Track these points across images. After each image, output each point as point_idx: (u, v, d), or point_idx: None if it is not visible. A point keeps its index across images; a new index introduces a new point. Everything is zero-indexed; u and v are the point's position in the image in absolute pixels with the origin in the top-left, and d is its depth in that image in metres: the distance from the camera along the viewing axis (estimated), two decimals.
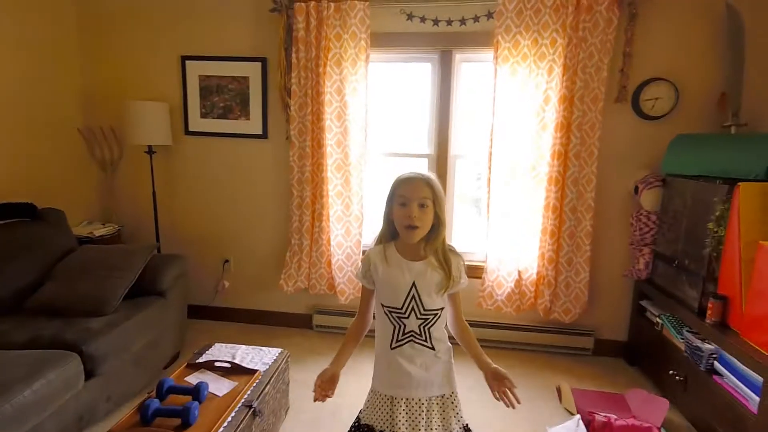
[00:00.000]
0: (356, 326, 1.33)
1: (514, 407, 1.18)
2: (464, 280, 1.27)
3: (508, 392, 1.18)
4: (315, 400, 1.20)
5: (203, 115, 2.86)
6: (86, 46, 2.89)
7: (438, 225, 1.21)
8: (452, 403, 1.27)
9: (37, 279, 2.14)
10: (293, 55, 2.58)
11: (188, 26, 2.78)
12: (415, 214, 1.16)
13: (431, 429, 1.23)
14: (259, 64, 2.74)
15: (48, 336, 1.82)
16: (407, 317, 1.21)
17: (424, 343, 1.22)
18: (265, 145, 2.84)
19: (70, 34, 2.83)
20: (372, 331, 1.32)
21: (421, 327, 1.22)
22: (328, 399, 1.21)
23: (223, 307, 3.05)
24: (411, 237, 1.19)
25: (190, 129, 2.89)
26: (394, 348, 1.23)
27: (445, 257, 1.23)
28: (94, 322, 1.94)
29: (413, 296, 1.20)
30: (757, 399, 1.61)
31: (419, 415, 1.22)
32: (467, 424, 1.30)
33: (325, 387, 1.21)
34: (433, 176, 1.22)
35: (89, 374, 1.78)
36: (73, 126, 2.88)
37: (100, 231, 2.75)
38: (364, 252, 2.72)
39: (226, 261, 3.00)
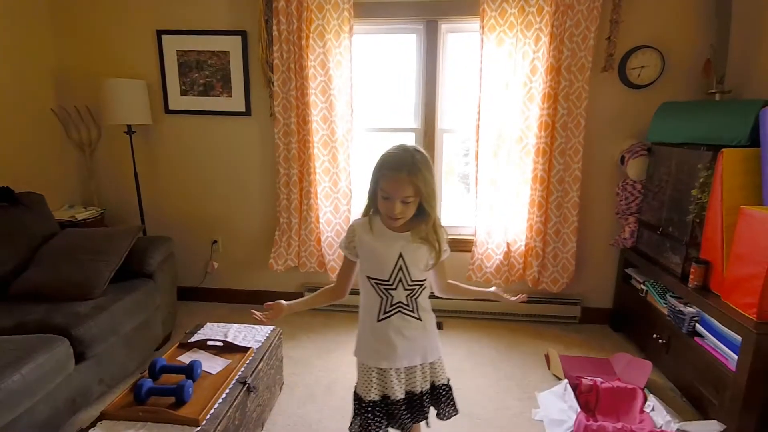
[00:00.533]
0: (330, 294, 1.34)
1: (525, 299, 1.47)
2: (447, 249, 1.27)
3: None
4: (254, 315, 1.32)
5: (183, 93, 2.77)
6: (58, 22, 2.75)
7: (425, 212, 1.17)
8: (438, 366, 1.32)
9: (19, 265, 2.08)
10: (274, 27, 2.49)
11: None
12: (398, 210, 1.14)
13: (419, 390, 1.27)
14: (239, 38, 2.65)
15: (35, 321, 1.79)
16: (395, 289, 1.21)
17: (412, 314, 1.23)
18: (249, 122, 2.78)
19: (41, 9, 2.69)
20: (352, 306, 1.32)
21: (409, 297, 1.22)
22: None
23: (213, 288, 3.04)
24: (393, 224, 1.19)
25: (171, 107, 2.80)
26: (382, 320, 1.23)
27: (437, 232, 1.21)
28: (81, 305, 1.91)
29: (401, 267, 1.19)
30: (736, 357, 1.67)
31: (407, 381, 1.27)
32: (449, 379, 1.35)
33: (269, 307, 1.32)
34: (420, 163, 1.13)
35: (80, 357, 1.76)
36: (47, 106, 2.77)
37: (82, 214, 2.68)
38: None
39: (215, 242, 2.97)
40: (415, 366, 1.27)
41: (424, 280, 1.24)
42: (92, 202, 2.93)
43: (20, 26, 2.57)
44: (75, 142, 2.88)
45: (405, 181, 1.11)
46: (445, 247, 1.26)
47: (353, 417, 1.31)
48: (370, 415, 1.24)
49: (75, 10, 2.73)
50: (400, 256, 1.19)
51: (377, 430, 1.24)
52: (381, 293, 1.22)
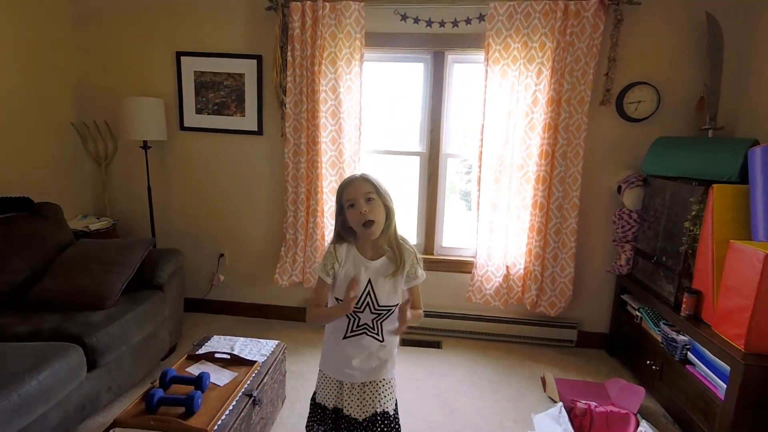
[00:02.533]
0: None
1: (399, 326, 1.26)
2: (421, 273, 1.34)
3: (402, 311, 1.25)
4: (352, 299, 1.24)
5: (198, 111, 2.89)
6: (80, 41, 2.88)
7: (388, 215, 1.29)
8: (389, 386, 1.37)
9: (36, 273, 2.16)
10: (289, 53, 2.62)
11: (183, 22, 2.80)
12: (365, 209, 1.23)
13: (370, 407, 1.33)
14: (254, 62, 2.78)
15: (50, 328, 1.85)
16: (362, 311, 1.30)
17: (376, 336, 1.32)
18: (260, 141, 2.88)
19: (64, 28, 2.83)
20: None
21: (375, 321, 1.31)
22: None
23: (218, 300, 3.10)
24: (371, 233, 1.25)
25: (186, 125, 2.91)
26: (347, 338, 1.32)
27: (399, 250, 1.30)
28: (94, 315, 1.98)
29: (368, 292, 1.28)
30: (725, 386, 1.73)
31: (361, 396, 1.34)
32: (396, 407, 1.41)
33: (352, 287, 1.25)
34: (369, 173, 1.30)
35: (91, 365, 1.83)
36: (67, 120, 2.89)
37: (95, 225, 2.77)
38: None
39: (221, 255, 3.05)
40: (369, 383, 1.34)
41: (393, 306, 1.31)
42: (104, 213, 3.02)
43: (44, 43, 2.70)
44: (92, 155, 2.99)
45: (360, 181, 1.27)
46: (420, 272, 1.33)
47: (310, 422, 1.43)
48: (320, 416, 1.37)
49: (98, 29, 2.87)
50: (369, 282, 1.28)
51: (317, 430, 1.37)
52: (349, 315, 1.30)
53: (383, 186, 1.28)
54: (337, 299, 1.32)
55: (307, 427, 1.44)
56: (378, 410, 1.33)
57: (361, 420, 1.33)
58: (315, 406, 1.41)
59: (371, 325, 1.31)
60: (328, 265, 1.31)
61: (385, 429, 1.33)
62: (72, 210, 2.89)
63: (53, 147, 2.80)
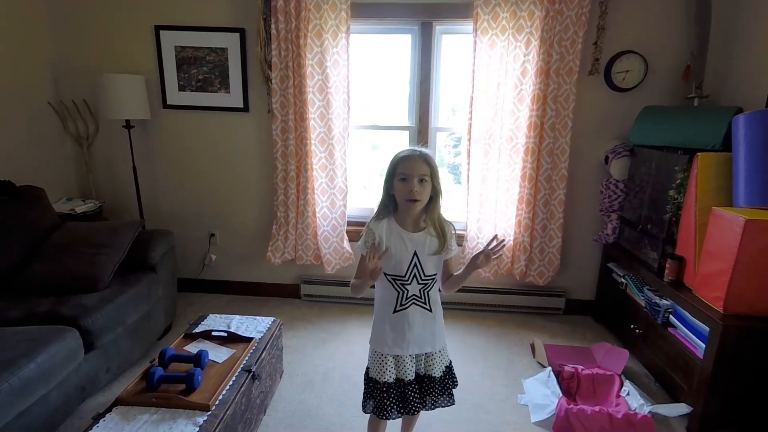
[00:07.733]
0: None
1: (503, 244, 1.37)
2: (455, 246, 1.41)
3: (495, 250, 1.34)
4: (372, 268, 1.25)
5: (181, 88, 2.81)
6: (56, 16, 2.75)
7: (435, 197, 1.34)
8: (440, 357, 1.46)
9: (24, 257, 2.14)
10: (272, 26, 2.54)
11: None
12: (416, 189, 1.28)
13: (423, 372, 1.44)
14: (237, 35, 2.69)
15: (44, 312, 1.85)
16: (410, 283, 1.36)
17: (424, 306, 1.38)
18: (247, 118, 2.83)
19: (38, 3, 2.69)
20: (361, 299, 1.43)
21: (422, 291, 1.37)
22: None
23: (211, 279, 3.11)
24: (412, 208, 1.32)
25: (169, 102, 2.83)
26: (398, 311, 1.37)
27: (441, 227, 1.37)
28: (87, 298, 1.97)
29: (415, 264, 1.34)
30: (704, 346, 1.82)
31: (417, 364, 1.43)
32: (450, 361, 1.51)
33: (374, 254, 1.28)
34: (429, 152, 1.35)
35: (88, 347, 1.84)
36: (44, 99, 2.78)
37: (81, 208, 2.72)
38: (348, 223, 2.81)
39: (212, 234, 3.03)
40: (423, 354, 1.42)
41: (435, 275, 1.39)
42: (89, 195, 2.96)
43: (17, 19, 2.58)
44: (72, 135, 2.91)
45: (420, 161, 1.30)
46: (455, 245, 1.40)
47: (365, 399, 1.46)
48: (385, 395, 1.39)
49: (73, 4, 2.73)
50: (415, 254, 1.34)
51: (391, 409, 1.39)
52: (398, 288, 1.36)
53: (437, 168, 1.33)
54: (386, 275, 1.35)
55: (363, 404, 1.48)
56: (425, 373, 1.43)
57: (407, 381, 1.40)
58: (374, 384, 1.42)
59: (419, 295, 1.37)
60: (369, 241, 1.35)
61: (425, 389, 1.43)
62: (56, 193, 2.83)
63: (32, 128, 2.71)
